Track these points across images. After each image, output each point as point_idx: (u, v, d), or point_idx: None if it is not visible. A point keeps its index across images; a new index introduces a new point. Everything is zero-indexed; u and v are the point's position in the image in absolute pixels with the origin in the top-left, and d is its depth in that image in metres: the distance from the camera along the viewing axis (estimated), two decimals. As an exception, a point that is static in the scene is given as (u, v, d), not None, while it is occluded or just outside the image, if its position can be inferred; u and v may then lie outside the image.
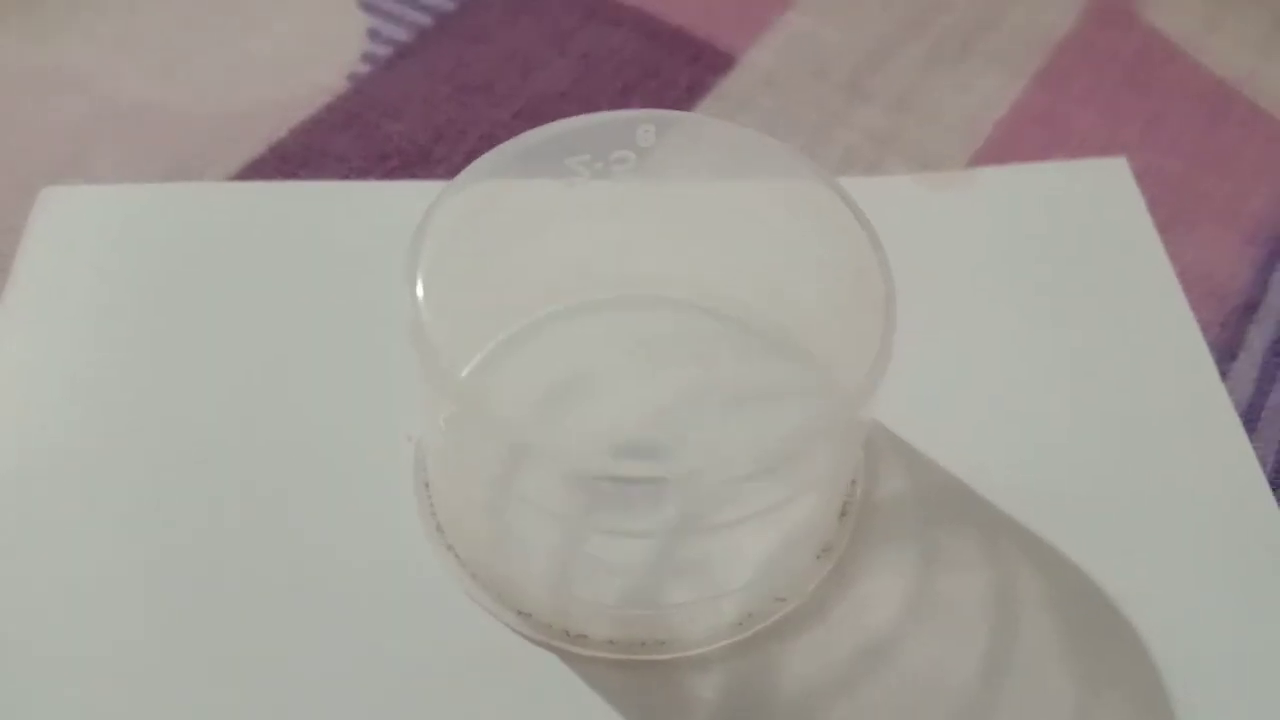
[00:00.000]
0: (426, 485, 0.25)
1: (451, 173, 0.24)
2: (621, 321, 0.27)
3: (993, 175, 0.31)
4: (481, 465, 0.22)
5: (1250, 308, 0.29)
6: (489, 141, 0.29)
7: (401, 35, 0.34)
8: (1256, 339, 0.29)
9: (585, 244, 0.25)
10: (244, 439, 0.25)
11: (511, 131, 0.23)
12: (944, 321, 0.28)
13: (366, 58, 0.33)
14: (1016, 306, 0.28)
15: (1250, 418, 0.28)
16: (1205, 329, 0.28)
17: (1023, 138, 0.32)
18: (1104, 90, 0.34)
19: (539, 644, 0.23)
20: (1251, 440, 0.27)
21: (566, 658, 0.23)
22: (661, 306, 0.27)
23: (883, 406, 0.24)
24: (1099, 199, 0.30)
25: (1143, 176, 0.31)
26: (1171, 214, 0.30)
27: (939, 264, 0.29)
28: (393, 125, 0.32)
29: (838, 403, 0.22)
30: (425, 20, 0.35)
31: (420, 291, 0.21)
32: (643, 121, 0.23)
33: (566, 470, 0.20)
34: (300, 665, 0.23)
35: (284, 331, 0.27)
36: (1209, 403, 0.28)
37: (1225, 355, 0.29)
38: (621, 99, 0.32)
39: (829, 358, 0.25)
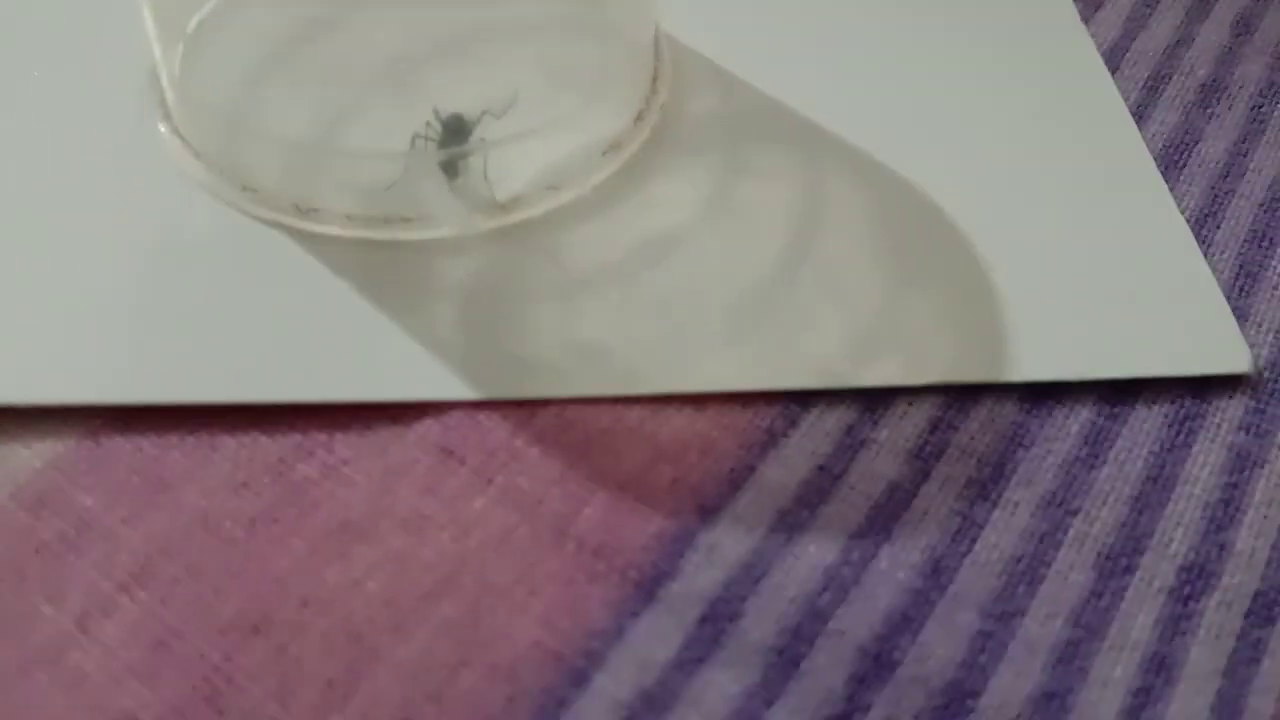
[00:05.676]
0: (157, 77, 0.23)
1: None
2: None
3: None
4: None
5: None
6: None
7: None
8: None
9: None
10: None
11: None
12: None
13: None
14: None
15: (1113, 58, 0.26)
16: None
17: None
18: None
19: (267, 222, 0.22)
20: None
21: (297, 236, 0.21)
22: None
23: (695, 32, 0.24)
24: None
25: None
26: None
27: None
28: None
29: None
30: None
31: None
32: None
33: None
34: (27, 249, 0.21)
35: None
36: (1072, 50, 0.25)
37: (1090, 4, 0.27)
38: None
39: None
